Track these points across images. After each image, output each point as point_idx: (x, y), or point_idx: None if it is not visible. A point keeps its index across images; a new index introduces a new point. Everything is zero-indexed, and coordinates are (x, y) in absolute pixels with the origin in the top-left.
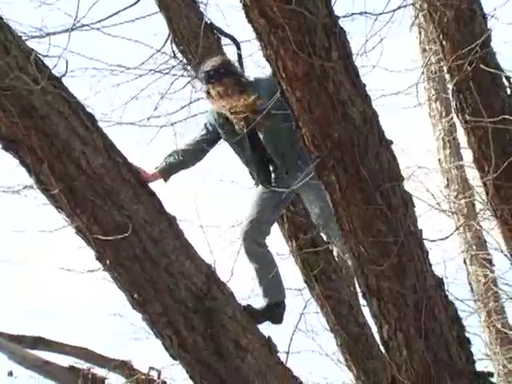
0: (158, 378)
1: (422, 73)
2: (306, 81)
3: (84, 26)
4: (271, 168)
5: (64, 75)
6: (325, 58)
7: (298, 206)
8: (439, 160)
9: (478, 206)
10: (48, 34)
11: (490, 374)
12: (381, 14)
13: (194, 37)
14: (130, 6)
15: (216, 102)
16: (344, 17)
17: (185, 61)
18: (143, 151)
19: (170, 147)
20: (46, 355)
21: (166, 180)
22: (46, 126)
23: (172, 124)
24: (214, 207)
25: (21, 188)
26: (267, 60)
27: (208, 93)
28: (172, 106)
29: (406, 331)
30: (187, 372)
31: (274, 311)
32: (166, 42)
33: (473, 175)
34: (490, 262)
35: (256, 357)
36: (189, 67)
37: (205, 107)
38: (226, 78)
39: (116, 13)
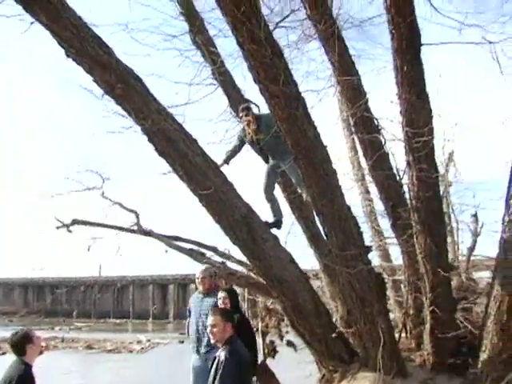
0: None
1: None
2: (288, 119)
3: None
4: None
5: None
6: (296, 110)
7: (285, 176)
8: (349, 158)
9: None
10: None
11: (370, 247)
12: (322, 89)
13: (239, 102)
14: (211, 93)
15: (243, 124)
16: (305, 91)
17: (233, 111)
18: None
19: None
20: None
21: (227, 164)
22: (176, 143)
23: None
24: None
25: (167, 172)
26: (269, 109)
27: (241, 119)
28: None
29: (334, 227)
30: (240, 250)
31: (278, 223)
32: (227, 107)
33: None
34: (371, 200)
35: (271, 243)
36: (235, 114)
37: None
38: (248, 111)
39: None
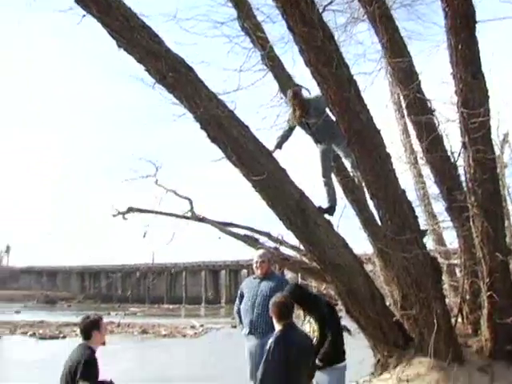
0: None
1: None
2: (340, 102)
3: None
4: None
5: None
6: (348, 92)
7: (338, 160)
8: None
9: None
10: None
11: (426, 231)
12: (373, 72)
13: (289, 87)
14: (260, 79)
15: (292, 108)
16: (355, 74)
17: (283, 96)
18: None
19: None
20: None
21: (280, 149)
22: (228, 129)
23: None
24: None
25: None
26: (322, 93)
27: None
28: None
29: (389, 211)
30: (294, 235)
31: (331, 209)
32: (278, 92)
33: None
34: (425, 183)
35: (324, 228)
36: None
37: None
38: (296, 95)
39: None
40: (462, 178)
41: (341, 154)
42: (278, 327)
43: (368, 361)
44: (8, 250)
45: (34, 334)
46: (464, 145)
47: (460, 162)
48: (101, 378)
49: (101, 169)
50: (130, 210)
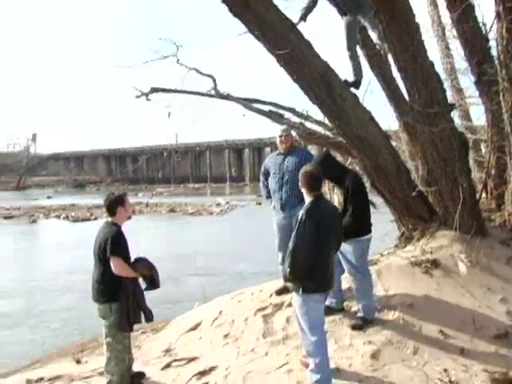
0: None
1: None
2: None
3: None
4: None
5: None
6: None
7: (364, 32)
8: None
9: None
10: None
11: (453, 105)
12: None
13: None
14: None
15: None
16: None
17: None
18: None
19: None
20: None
21: (304, 21)
22: (250, 2)
23: None
24: None
25: (243, 32)
26: None
27: None
28: None
29: (417, 83)
30: (320, 109)
31: (357, 83)
32: None
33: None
34: (452, 57)
35: (350, 102)
36: None
37: None
38: None
39: None
40: (493, 52)
41: (367, 25)
42: (308, 199)
43: (392, 234)
44: (34, 137)
45: (67, 217)
46: (498, 14)
47: (492, 35)
48: (132, 255)
49: (121, 49)
50: (154, 90)
